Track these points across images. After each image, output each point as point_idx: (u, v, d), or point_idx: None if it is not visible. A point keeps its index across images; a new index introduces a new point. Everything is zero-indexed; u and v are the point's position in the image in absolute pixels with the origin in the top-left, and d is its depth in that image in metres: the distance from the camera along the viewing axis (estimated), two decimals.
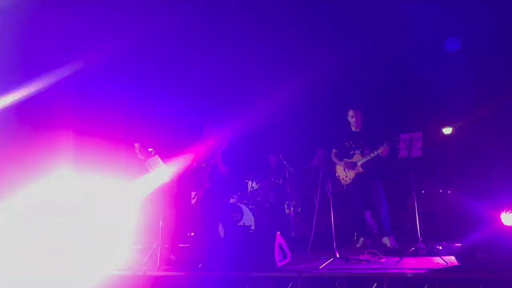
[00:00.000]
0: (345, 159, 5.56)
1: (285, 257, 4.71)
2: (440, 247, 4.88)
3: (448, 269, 4.03)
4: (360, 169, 5.41)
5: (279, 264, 4.48)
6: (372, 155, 5.29)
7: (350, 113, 5.57)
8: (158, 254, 5.02)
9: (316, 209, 6.03)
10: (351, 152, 5.54)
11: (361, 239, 5.57)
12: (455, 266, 4.11)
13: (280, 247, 4.61)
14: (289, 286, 4.13)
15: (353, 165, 5.46)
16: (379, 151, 5.19)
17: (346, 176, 5.56)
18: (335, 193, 5.27)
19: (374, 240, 5.75)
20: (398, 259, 4.45)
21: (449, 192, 6.27)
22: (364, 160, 5.38)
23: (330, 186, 4.88)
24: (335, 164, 5.74)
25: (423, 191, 6.33)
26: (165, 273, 4.66)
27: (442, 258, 4.31)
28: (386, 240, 5.44)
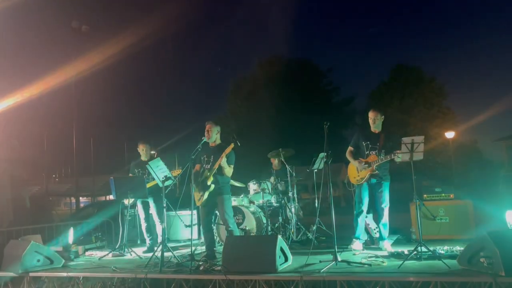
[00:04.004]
0: (360, 158, 5.56)
1: (286, 260, 4.70)
2: (442, 251, 4.87)
3: (449, 273, 4.02)
4: (374, 171, 5.41)
5: (280, 268, 4.48)
6: (388, 157, 5.28)
7: (370, 114, 5.58)
8: (160, 256, 5.02)
9: (318, 212, 6.05)
10: (366, 152, 5.54)
11: (354, 241, 5.56)
12: (457, 269, 4.10)
13: (281, 250, 4.61)
14: None
15: (367, 165, 5.46)
16: (396, 155, 5.16)
17: (358, 175, 5.56)
18: (339, 196, 5.26)
19: (376, 243, 5.74)
20: (400, 263, 4.44)
21: (451, 196, 6.25)
22: (379, 162, 5.38)
23: (331, 189, 4.87)
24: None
25: (425, 195, 6.31)
26: (167, 275, 4.67)
27: (444, 262, 4.29)
28: (382, 244, 5.46)
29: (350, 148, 5.73)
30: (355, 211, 5.63)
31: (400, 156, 5.09)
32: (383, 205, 5.45)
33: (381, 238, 5.56)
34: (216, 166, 5.35)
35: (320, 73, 32.15)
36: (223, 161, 5.28)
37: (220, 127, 5.70)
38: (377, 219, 5.60)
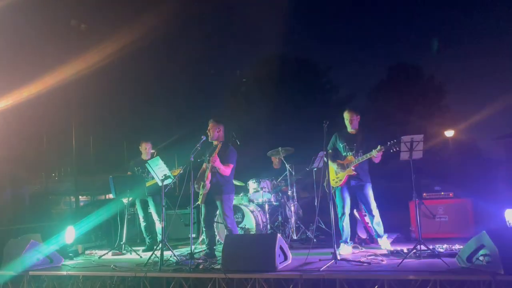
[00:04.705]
0: (338, 160, 5.52)
1: (285, 259, 4.71)
2: (442, 249, 4.88)
3: (449, 271, 4.02)
4: (352, 171, 5.37)
5: (280, 266, 4.48)
6: (365, 157, 5.25)
7: (346, 115, 5.53)
8: (160, 255, 5.03)
9: (317, 211, 6.04)
10: (344, 154, 5.50)
11: (342, 245, 5.43)
12: (456, 268, 4.11)
13: (281, 248, 4.61)
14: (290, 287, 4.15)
15: (345, 167, 5.42)
16: (372, 154, 5.16)
17: (337, 177, 5.50)
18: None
19: (375, 241, 5.74)
20: (399, 261, 4.45)
21: (451, 194, 6.26)
22: (357, 162, 5.33)
23: (331, 187, 4.87)
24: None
25: (424, 193, 6.32)
26: (167, 274, 4.67)
27: (443, 260, 4.30)
28: (380, 242, 5.46)
29: (328, 150, 5.58)
30: (338, 215, 5.51)
31: (376, 156, 5.11)
32: (370, 207, 5.41)
33: (378, 236, 5.53)
34: (210, 166, 5.37)
35: (319, 72, 32.15)
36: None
37: (223, 125, 5.67)
38: (370, 220, 5.57)
